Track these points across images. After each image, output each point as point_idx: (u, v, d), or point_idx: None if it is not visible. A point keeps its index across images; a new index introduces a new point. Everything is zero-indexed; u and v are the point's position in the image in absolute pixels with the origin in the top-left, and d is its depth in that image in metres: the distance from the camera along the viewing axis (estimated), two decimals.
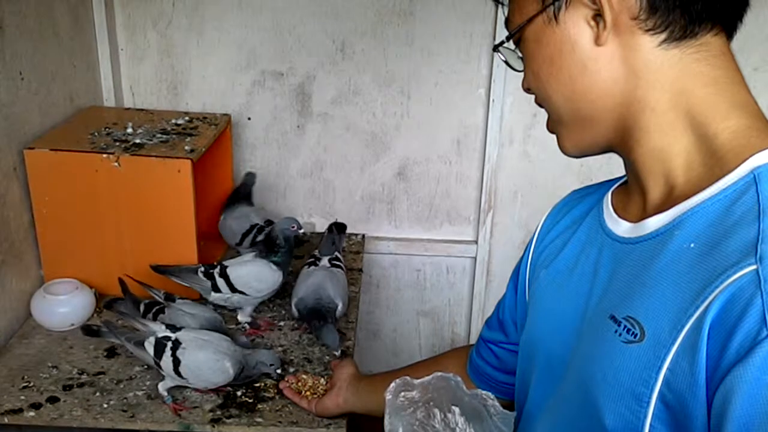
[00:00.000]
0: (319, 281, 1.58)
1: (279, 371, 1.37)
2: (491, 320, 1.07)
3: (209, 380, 1.32)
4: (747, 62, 0.93)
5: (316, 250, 1.75)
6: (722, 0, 0.69)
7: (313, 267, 1.66)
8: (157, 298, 1.51)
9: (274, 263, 1.56)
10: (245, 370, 1.34)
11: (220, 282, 1.53)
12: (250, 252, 1.63)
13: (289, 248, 1.58)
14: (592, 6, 0.70)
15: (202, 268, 1.54)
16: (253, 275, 1.55)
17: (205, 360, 1.30)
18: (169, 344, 1.31)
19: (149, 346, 1.31)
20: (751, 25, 0.75)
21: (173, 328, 1.36)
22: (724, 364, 0.58)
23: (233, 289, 1.53)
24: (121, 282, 1.52)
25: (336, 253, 1.72)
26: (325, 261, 1.68)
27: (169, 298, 1.50)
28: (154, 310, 1.47)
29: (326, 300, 1.54)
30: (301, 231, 1.60)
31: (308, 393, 1.33)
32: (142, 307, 1.49)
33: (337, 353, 1.48)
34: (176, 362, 1.29)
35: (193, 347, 1.31)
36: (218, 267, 1.55)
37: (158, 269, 1.54)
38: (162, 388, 1.32)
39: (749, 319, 0.57)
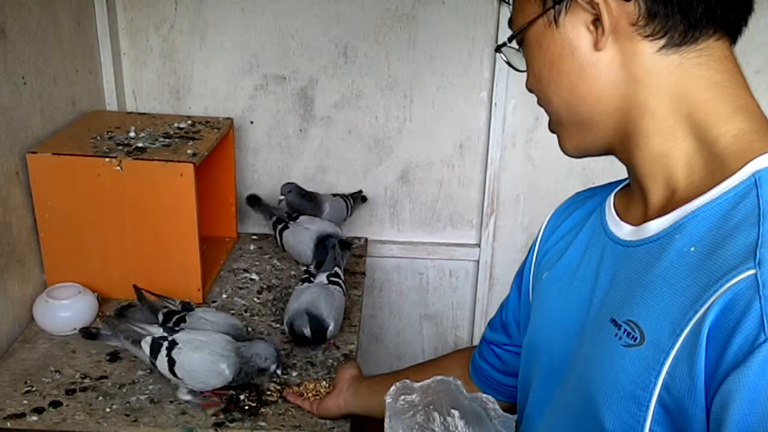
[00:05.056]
0: (311, 299, 1.52)
1: (277, 369, 1.32)
2: (494, 322, 1.07)
3: (205, 382, 1.30)
4: (749, 65, 0.93)
5: (311, 266, 1.71)
6: (723, 5, 0.69)
7: (307, 284, 1.60)
8: (173, 307, 1.48)
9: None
10: (244, 366, 1.31)
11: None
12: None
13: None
14: (591, 11, 0.70)
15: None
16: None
17: (200, 361, 1.29)
18: (165, 344, 1.29)
19: (146, 345, 1.30)
20: (753, 28, 0.74)
21: (172, 330, 1.34)
22: (723, 368, 0.58)
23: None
24: (137, 289, 1.50)
25: (336, 269, 1.65)
26: (322, 277, 1.61)
27: (187, 307, 1.47)
28: (174, 318, 1.43)
29: (316, 319, 1.48)
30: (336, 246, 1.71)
31: (310, 395, 1.33)
32: (161, 317, 1.45)
33: (306, 331, 1.46)
34: (171, 362, 1.28)
35: (189, 348, 1.29)
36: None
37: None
38: (182, 395, 1.31)
39: (748, 323, 0.57)
